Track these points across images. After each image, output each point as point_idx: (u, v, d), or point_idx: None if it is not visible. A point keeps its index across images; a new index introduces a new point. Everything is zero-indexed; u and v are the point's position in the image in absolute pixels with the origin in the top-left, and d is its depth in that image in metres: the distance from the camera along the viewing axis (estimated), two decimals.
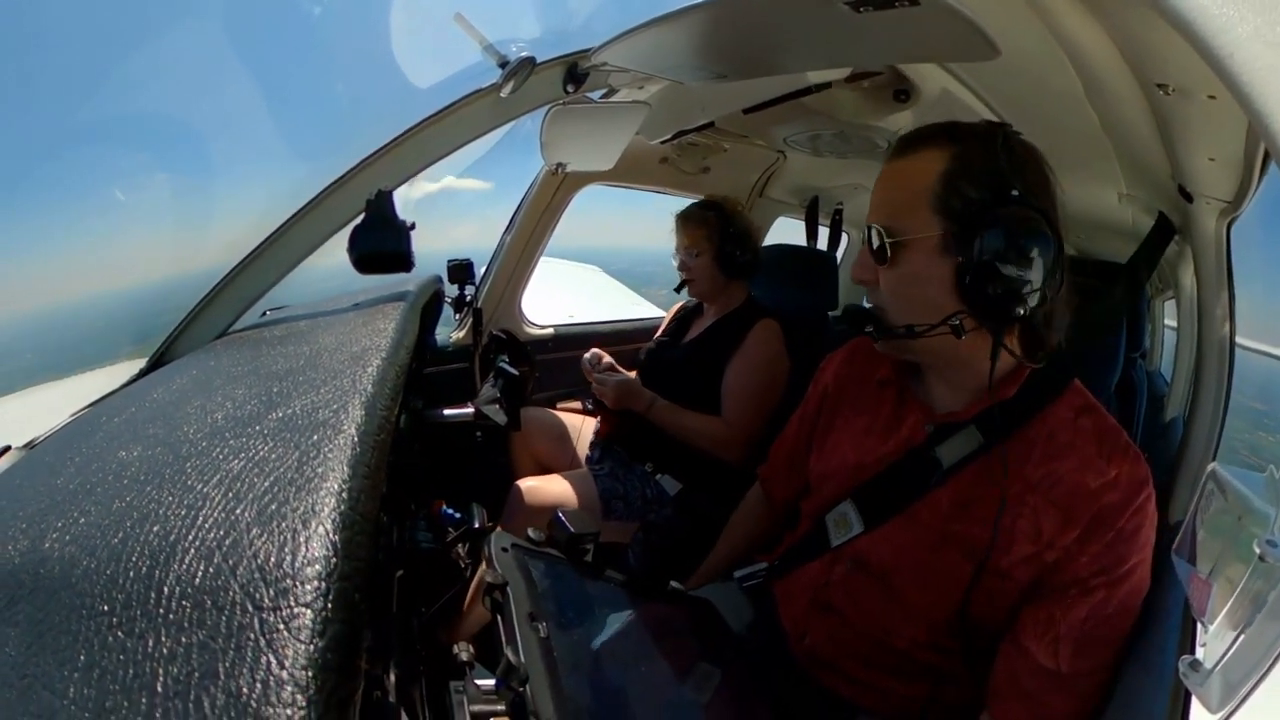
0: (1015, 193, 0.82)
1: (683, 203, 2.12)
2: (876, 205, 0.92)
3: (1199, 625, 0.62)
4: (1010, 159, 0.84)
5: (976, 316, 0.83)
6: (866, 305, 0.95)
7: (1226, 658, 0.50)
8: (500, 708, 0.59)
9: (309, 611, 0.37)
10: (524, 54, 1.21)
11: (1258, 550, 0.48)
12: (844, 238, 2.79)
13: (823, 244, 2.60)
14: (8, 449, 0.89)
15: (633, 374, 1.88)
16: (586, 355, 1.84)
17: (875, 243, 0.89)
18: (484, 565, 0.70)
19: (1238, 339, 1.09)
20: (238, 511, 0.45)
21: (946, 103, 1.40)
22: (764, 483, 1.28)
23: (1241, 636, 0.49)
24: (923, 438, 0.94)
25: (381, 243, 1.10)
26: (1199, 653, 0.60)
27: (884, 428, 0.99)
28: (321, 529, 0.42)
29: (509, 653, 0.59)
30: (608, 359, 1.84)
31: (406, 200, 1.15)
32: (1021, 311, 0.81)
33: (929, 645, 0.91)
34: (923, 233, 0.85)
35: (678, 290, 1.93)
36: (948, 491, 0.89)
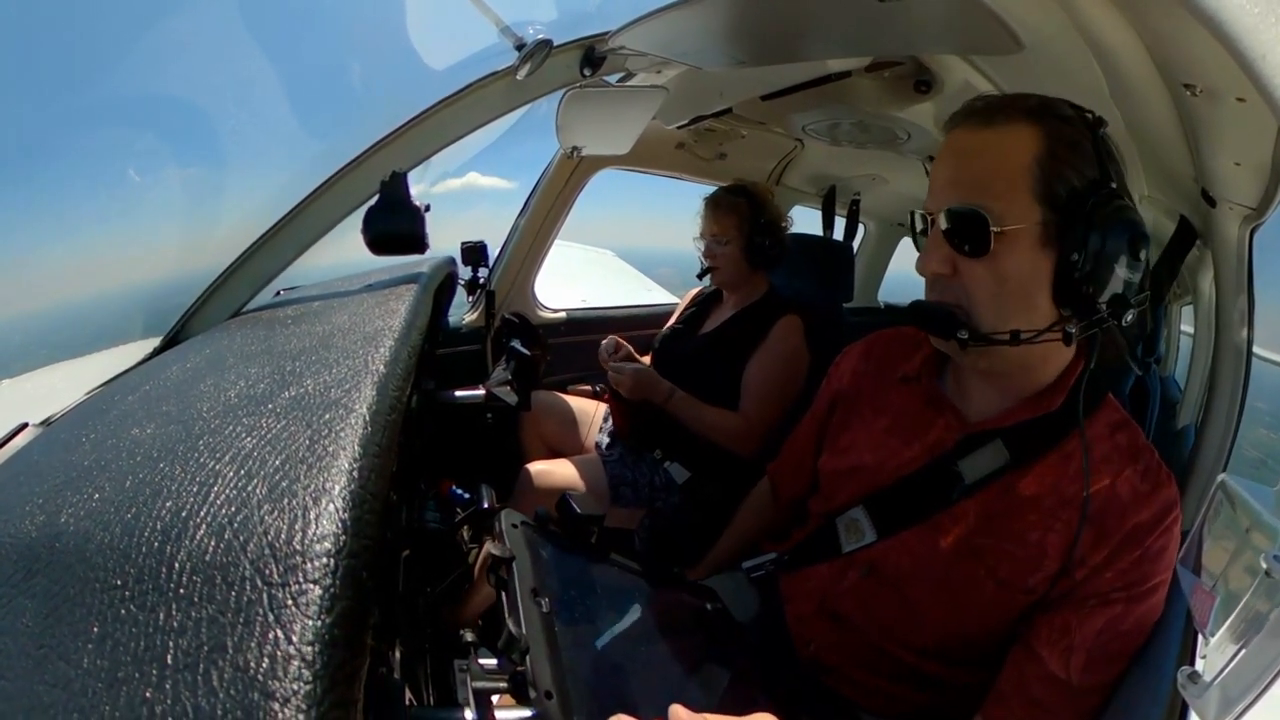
0: (1114, 184, 0.76)
1: (687, 188, 2.09)
2: (958, 182, 0.80)
3: (1200, 636, 0.62)
4: (1102, 146, 0.78)
5: (1081, 320, 0.78)
6: (934, 301, 0.83)
7: (1226, 671, 0.50)
8: (503, 685, 0.60)
9: (317, 588, 0.38)
10: (541, 36, 1.20)
11: (1264, 565, 0.48)
12: (860, 228, 2.77)
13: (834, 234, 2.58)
14: (25, 426, 0.90)
15: (646, 359, 1.87)
16: (604, 343, 1.81)
17: (966, 230, 0.78)
18: (490, 542, 0.71)
19: (1255, 349, 1.07)
20: (249, 488, 0.45)
21: (968, 95, 1.37)
22: (772, 479, 1.26)
23: (1242, 651, 0.48)
24: (951, 445, 0.89)
25: (395, 224, 1.10)
26: (1198, 664, 0.60)
27: (909, 429, 0.94)
28: (332, 507, 0.42)
29: (511, 624, 0.60)
30: (626, 347, 1.82)
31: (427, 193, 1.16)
32: (1130, 317, 0.76)
33: (937, 655, 0.90)
34: (1023, 221, 0.76)
35: (700, 277, 1.91)
36: (975, 503, 0.86)
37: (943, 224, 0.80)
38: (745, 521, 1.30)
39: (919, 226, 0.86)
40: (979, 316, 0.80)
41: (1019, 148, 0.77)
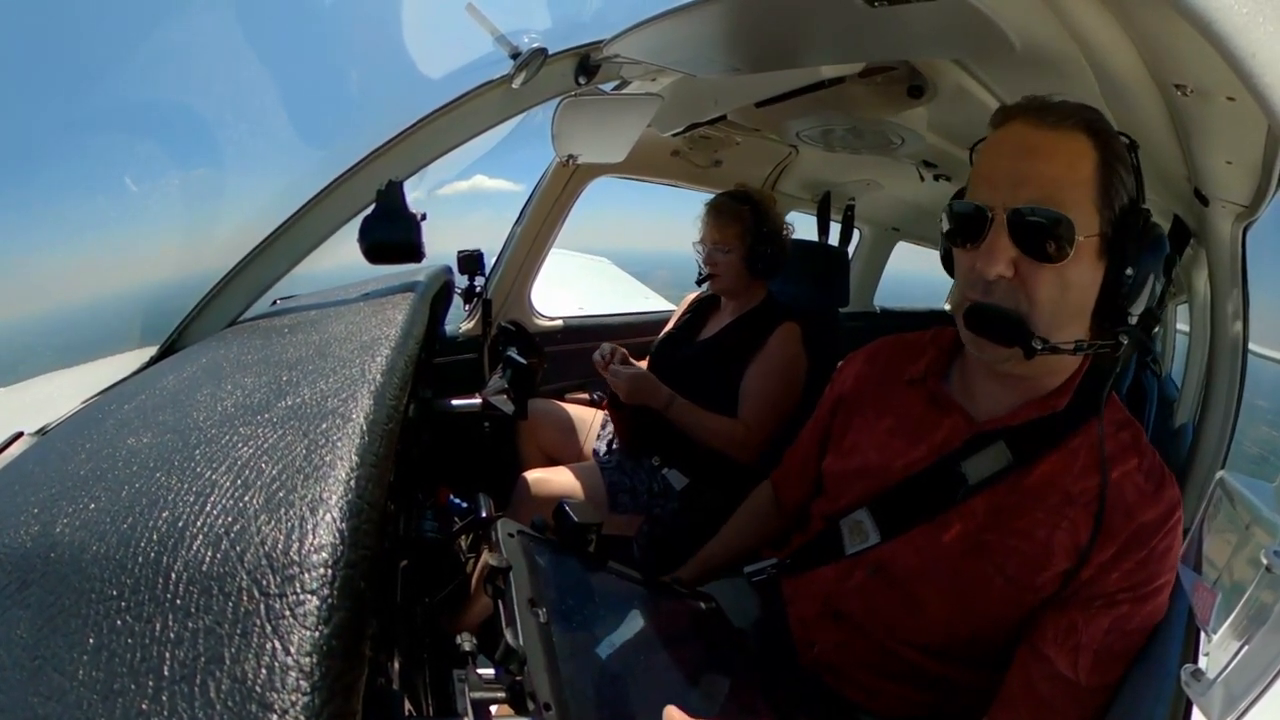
0: (1145, 205, 0.78)
1: (685, 192, 2.09)
2: (1028, 180, 0.76)
3: (1202, 634, 0.62)
4: (1139, 167, 0.79)
5: (1120, 333, 0.78)
6: (994, 304, 0.79)
7: (1229, 668, 0.49)
8: (501, 695, 0.60)
9: (315, 598, 0.37)
10: (536, 45, 1.20)
11: (1264, 560, 0.48)
12: (855, 233, 2.78)
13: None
14: (20, 435, 0.89)
15: (644, 365, 1.87)
16: (598, 350, 1.81)
17: (1042, 233, 0.74)
18: (487, 551, 0.70)
19: (1250, 345, 1.07)
20: (246, 498, 0.45)
21: (961, 99, 1.39)
22: (776, 487, 1.26)
23: (1245, 648, 0.48)
24: (959, 444, 0.89)
25: (392, 233, 1.10)
26: (1201, 662, 0.60)
27: (915, 429, 0.94)
28: (329, 517, 0.42)
29: (508, 635, 0.60)
30: (622, 351, 1.81)
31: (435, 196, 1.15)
32: (1157, 329, 0.78)
33: (941, 655, 0.90)
34: (1091, 231, 0.75)
35: (699, 283, 1.91)
36: (982, 500, 0.86)
37: (1009, 222, 0.76)
38: (745, 526, 1.29)
39: (957, 217, 0.81)
40: (1037, 323, 0.78)
41: (1083, 155, 0.76)
